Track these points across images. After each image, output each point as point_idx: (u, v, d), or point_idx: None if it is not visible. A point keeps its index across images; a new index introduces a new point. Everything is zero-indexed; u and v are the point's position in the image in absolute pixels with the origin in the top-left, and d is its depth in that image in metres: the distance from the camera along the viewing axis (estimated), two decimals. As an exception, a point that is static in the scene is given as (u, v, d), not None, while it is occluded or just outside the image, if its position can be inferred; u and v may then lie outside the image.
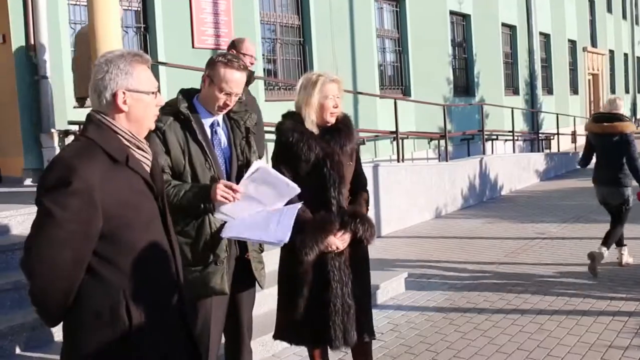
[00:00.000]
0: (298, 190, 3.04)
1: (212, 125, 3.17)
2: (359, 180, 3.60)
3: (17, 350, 3.95)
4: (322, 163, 3.39)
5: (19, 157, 6.98)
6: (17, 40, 7.09)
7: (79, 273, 2.01)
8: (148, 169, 2.20)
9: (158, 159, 2.54)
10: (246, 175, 2.95)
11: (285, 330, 3.58)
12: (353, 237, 3.44)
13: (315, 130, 3.44)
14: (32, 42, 7.08)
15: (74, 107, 7.09)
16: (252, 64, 5.22)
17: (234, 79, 3.05)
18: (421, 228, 9.62)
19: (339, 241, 3.41)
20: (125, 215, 2.05)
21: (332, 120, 3.45)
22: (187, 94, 3.19)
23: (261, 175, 2.94)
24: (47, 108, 7.14)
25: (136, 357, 2.08)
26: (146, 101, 2.16)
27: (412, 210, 9.88)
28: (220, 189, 2.88)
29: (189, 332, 2.29)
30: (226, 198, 2.89)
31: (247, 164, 3.20)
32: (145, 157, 2.19)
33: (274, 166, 3.40)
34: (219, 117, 3.19)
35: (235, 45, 5.27)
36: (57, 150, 6.83)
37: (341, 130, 3.48)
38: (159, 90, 2.22)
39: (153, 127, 2.25)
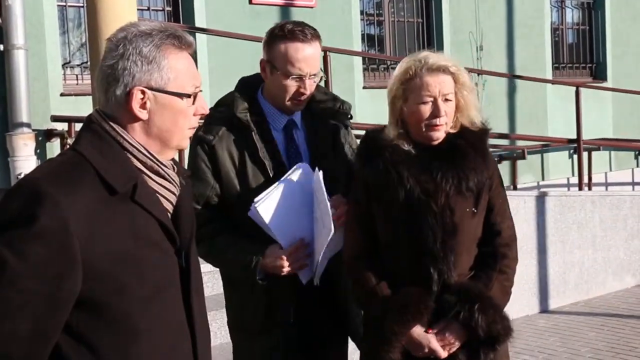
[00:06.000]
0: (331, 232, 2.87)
1: (286, 129, 3.03)
2: (494, 238, 3.03)
3: None
4: (418, 207, 2.93)
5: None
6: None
7: (40, 356, 1.84)
8: (170, 208, 2.00)
9: (192, 191, 2.49)
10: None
11: None
12: (468, 334, 2.88)
13: (414, 150, 3.02)
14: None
15: (62, 95, 6.72)
16: None
17: (304, 55, 2.91)
18: (618, 299, 8.47)
19: (435, 339, 2.89)
20: (121, 275, 1.86)
21: (436, 136, 2.96)
22: (249, 86, 3.07)
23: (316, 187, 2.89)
24: (18, 94, 6.65)
25: None
26: (178, 107, 1.96)
27: (604, 270, 8.71)
28: (284, 265, 2.84)
29: None
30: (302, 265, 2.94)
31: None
32: (168, 190, 2.00)
33: (355, 209, 3.04)
34: (297, 116, 3.08)
35: None
36: (34, 164, 6.46)
37: (457, 153, 2.94)
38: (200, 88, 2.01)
39: (186, 145, 2.07)
